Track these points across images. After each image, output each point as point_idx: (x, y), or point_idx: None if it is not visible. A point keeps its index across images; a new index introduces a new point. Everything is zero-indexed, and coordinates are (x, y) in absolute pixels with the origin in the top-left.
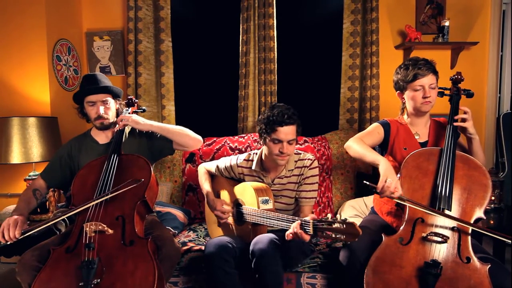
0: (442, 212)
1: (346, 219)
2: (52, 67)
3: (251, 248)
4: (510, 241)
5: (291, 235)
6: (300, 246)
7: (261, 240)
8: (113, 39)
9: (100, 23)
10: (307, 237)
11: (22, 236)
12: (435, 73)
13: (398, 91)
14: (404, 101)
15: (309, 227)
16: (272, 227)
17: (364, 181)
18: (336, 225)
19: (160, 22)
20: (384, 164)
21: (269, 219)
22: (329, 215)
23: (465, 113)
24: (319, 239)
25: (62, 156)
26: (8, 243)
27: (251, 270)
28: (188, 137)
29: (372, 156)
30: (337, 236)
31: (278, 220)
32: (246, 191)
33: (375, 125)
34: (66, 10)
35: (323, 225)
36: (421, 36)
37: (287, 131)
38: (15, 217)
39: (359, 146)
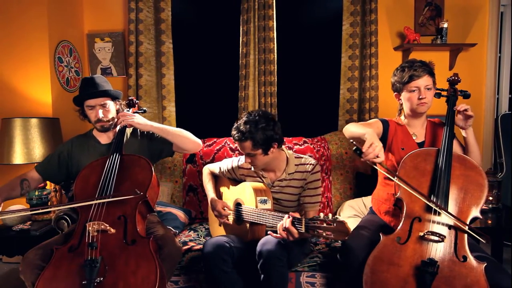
0: (436, 204)
1: (336, 217)
2: (54, 68)
3: (258, 249)
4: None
5: (279, 235)
6: (301, 247)
7: (269, 241)
8: (114, 40)
9: (101, 24)
10: (297, 234)
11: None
12: (431, 74)
13: (395, 93)
14: (401, 102)
15: (301, 224)
16: (272, 227)
17: (351, 141)
18: (326, 223)
19: (161, 24)
20: (370, 132)
21: (267, 218)
22: (322, 214)
23: (465, 110)
24: (318, 239)
25: (61, 153)
26: None
27: (250, 269)
28: (188, 140)
29: (361, 130)
30: (327, 234)
31: (275, 219)
32: (245, 191)
33: (374, 119)
34: (67, 12)
35: (314, 223)
36: (419, 38)
37: (242, 147)
38: None
39: (354, 126)
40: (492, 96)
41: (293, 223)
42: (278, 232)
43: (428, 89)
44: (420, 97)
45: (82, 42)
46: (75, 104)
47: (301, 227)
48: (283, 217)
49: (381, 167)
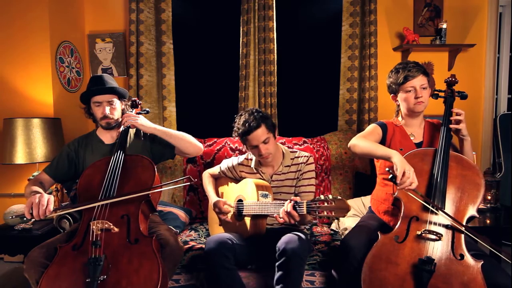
0: (443, 210)
1: (336, 196)
2: (55, 69)
3: (281, 246)
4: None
5: (282, 219)
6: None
7: (293, 239)
8: (115, 41)
9: (102, 25)
10: (298, 217)
11: (51, 215)
12: (426, 74)
13: (392, 94)
14: (398, 103)
15: (302, 207)
16: (272, 215)
17: (387, 168)
18: (327, 203)
19: (162, 25)
20: (398, 157)
21: (268, 207)
22: (322, 196)
23: (458, 114)
24: (318, 239)
25: (69, 153)
26: (33, 220)
27: (250, 267)
28: (190, 144)
29: (382, 150)
30: (329, 213)
31: (276, 207)
32: (247, 187)
33: (373, 126)
34: (68, 12)
35: (315, 204)
36: (418, 38)
37: (256, 136)
38: (47, 194)
39: (365, 142)
40: (491, 96)
41: (294, 207)
42: (281, 215)
43: (423, 88)
44: (417, 96)
45: (83, 42)
46: (82, 102)
47: (302, 210)
48: (284, 204)
49: (415, 194)
